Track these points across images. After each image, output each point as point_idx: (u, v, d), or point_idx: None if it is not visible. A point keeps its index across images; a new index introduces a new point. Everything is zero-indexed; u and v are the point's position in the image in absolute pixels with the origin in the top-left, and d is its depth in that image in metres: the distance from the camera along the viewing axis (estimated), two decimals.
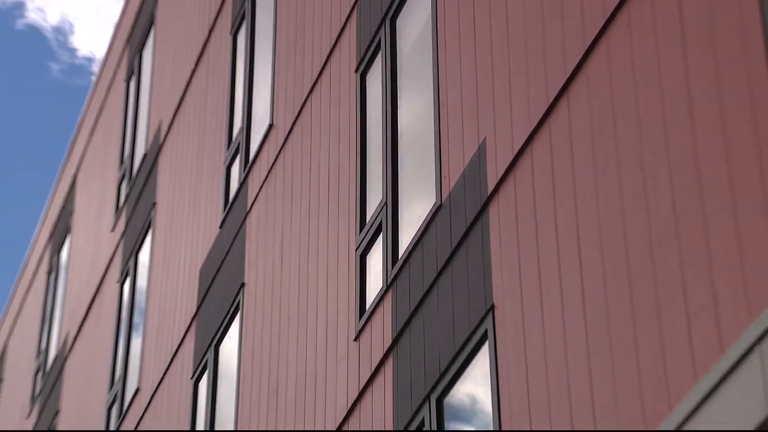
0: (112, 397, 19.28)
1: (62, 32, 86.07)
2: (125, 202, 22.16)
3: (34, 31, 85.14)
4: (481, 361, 9.15)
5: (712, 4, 7.25)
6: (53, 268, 25.45)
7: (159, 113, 20.73)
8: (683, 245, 6.95)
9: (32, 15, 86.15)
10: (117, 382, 19.62)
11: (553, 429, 8.01)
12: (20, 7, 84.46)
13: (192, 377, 15.76)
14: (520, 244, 8.92)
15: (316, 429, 11.82)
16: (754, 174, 6.42)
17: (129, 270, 20.60)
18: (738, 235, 6.43)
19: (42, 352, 23.74)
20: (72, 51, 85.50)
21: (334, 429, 11.30)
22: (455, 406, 9.70)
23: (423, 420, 9.75)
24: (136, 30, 23.08)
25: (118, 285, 20.68)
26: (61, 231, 25.28)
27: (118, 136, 23.00)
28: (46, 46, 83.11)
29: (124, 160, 21.88)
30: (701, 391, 5.62)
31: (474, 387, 9.36)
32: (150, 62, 21.09)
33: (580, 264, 8.02)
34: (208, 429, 15.77)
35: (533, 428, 8.18)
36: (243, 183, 15.56)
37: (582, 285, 7.93)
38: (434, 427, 9.58)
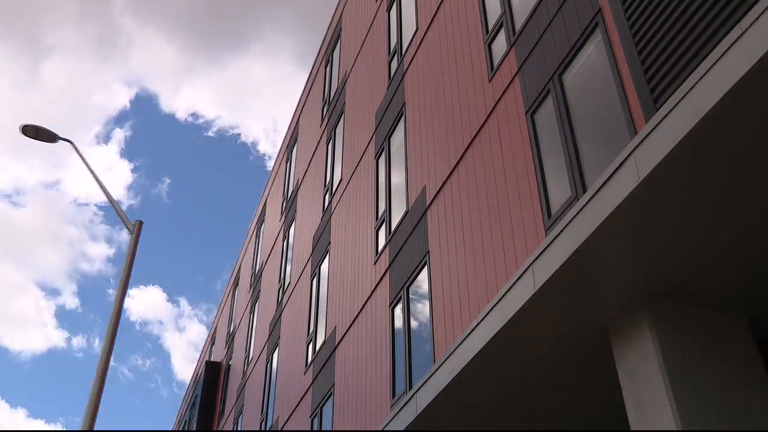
0: (282, 284, 17.86)
1: (255, 144, 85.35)
2: (285, 212, 22.04)
3: (245, 144, 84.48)
4: (424, 272, 9.37)
5: (514, 148, 7.64)
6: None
7: (295, 176, 20.63)
8: (504, 233, 7.31)
9: (243, 138, 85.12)
10: (281, 279, 18.88)
11: (454, 297, 8.13)
12: (237, 136, 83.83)
13: (310, 278, 15.28)
14: (439, 226, 9.10)
15: (357, 298, 11.88)
16: (529, 205, 6.92)
17: (287, 238, 20.94)
18: (523, 227, 6.90)
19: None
20: (258, 150, 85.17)
21: (365, 299, 11.26)
22: (414, 291, 9.62)
23: (401, 297, 9.84)
24: (290, 142, 22.87)
25: (282, 246, 20.93)
26: (261, 218, 23.75)
27: (281, 192, 22.15)
28: (246, 148, 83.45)
29: (284, 204, 21.40)
30: (510, 283, 5.13)
31: (422, 283, 9.40)
32: (295, 156, 20.10)
33: (463, 235, 8.26)
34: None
35: (443, 296, 8.32)
36: (328, 206, 15.30)
37: (464, 242, 8.19)
38: (405, 300, 9.69)
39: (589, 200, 4.36)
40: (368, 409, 10.12)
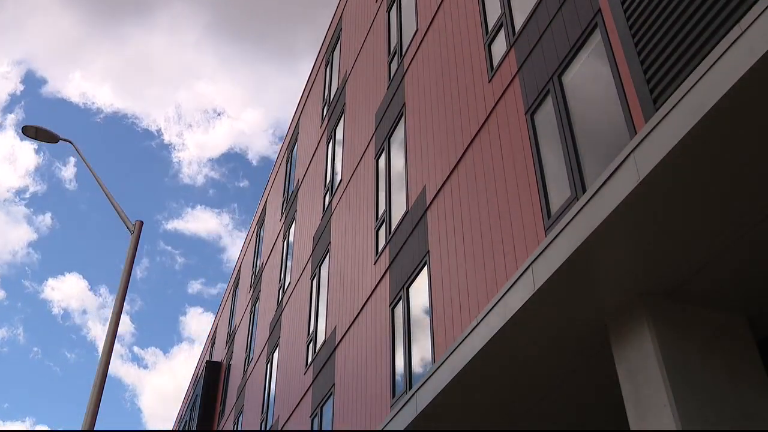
0: (282, 284, 17.98)
1: (160, 132, 79.59)
2: (285, 212, 21.88)
3: (147, 130, 78.79)
4: (424, 272, 9.37)
5: (513, 146, 7.64)
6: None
7: (295, 176, 20.69)
8: (504, 233, 7.33)
9: (145, 124, 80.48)
10: (281, 279, 19.49)
11: (453, 297, 8.14)
12: (138, 120, 78.13)
13: (311, 278, 15.42)
14: (439, 226, 9.10)
15: (357, 297, 11.93)
16: (529, 205, 6.94)
17: (288, 234, 20.96)
18: (522, 227, 6.89)
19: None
20: (163, 139, 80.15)
21: (365, 299, 11.28)
22: (414, 291, 9.60)
23: (401, 297, 9.80)
24: (290, 143, 23.19)
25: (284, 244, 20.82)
26: (261, 219, 24.31)
27: (281, 193, 22.16)
28: (150, 134, 79.21)
29: (284, 204, 21.50)
30: (510, 283, 5.10)
31: (421, 283, 9.40)
32: (295, 156, 20.10)
33: (463, 235, 8.26)
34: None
35: (443, 296, 8.32)
36: (328, 206, 15.37)
37: (464, 243, 8.19)
38: (405, 300, 9.68)
39: (588, 200, 4.35)
40: (368, 409, 10.11)
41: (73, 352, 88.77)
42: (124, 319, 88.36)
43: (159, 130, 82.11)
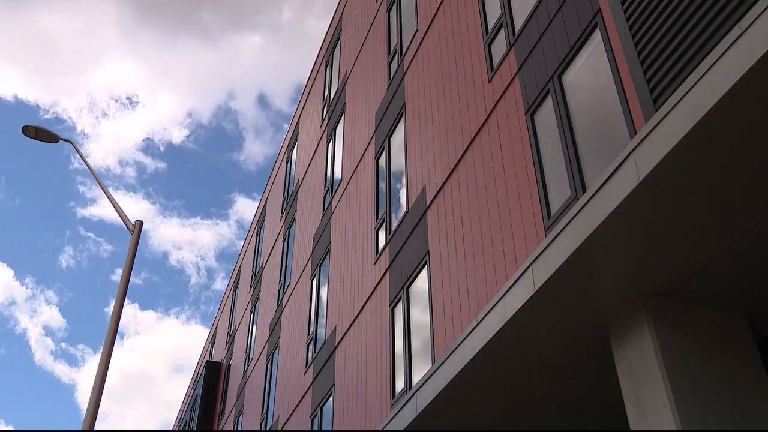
0: (282, 284, 18.00)
1: (73, 119, 75.66)
2: (285, 212, 21.86)
3: (59, 118, 74.04)
4: (424, 272, 9.38)
5: (512, 144, 7.72)
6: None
7: (296, 176, 20.91)
8: (504, 233, 7.33)
9: (56, 112, 74.35)
10: (282, 279, 19.56)
11: (453, 297, 8.16)
12: (44, 108, 71.94)
13: (311, 278, 15.58)
14: (439, 226, 9.11)
15: (359, 297, 12.00)
16: (529, 205, 6.92)
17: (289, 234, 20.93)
18: (522, 227, 6.91)
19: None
20: (76, 128, 75.96)
21: (365, 299, 11.35)
22: (414, 290, 9.62)
23: (401, 297, 9.80)
24: (290, 143, 22.72)
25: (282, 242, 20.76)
26: (261, 221, 24.21)
27: (281, 193, 22.23)
28: (60, 121, 74.93)
29: (284, 204, 21.63)
30: (510, 283, 5.09)
31: (422, 282, 9.40)
32: (295, 156, 20.27)
33: (463, 235, 8.26)
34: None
35: (443, 296, 8.31)
36: (328, 206, 15.35)
37: (464, 242, 8.20)
38: (405, 300, 9.71)
39: (588, 200, 4.35)
40: (368, 409, 10.12)
41: (1, 347, 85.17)
42: (53, 313, 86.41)
43: (70, 118, 78.32)
